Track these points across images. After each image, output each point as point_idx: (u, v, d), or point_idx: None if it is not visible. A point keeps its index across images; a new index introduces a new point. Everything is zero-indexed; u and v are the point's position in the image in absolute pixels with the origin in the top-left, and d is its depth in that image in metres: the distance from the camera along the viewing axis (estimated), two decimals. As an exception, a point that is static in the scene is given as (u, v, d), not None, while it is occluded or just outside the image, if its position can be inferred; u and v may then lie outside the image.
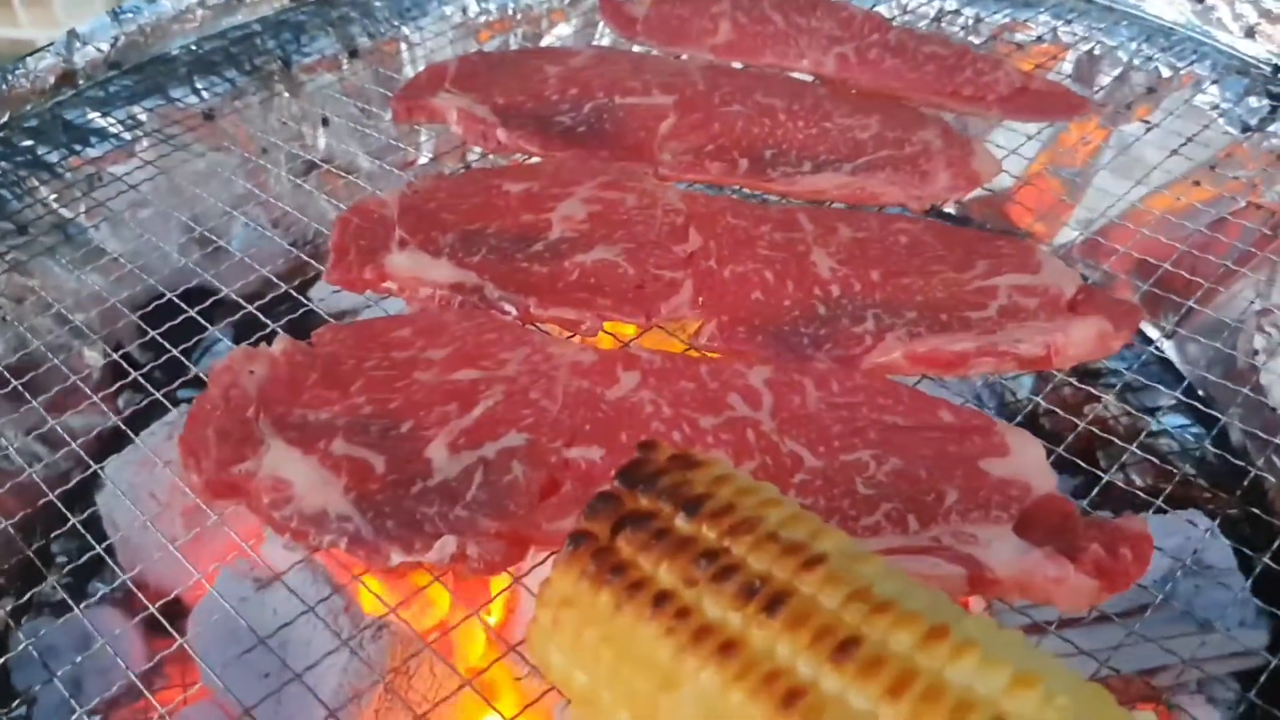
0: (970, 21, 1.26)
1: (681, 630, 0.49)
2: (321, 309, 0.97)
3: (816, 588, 0.49)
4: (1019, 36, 1.22)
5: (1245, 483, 0.89)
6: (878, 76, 1.02)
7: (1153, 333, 1.16)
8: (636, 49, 1.14)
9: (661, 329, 0.82)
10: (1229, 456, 0.85)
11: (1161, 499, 0.77)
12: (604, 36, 1.39)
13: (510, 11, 1.36)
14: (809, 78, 1.06)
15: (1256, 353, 1.04)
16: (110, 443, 0.98)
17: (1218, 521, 0.84)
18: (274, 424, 0.71)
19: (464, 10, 1.36)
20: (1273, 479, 0.92)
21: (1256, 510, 0.82)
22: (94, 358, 1.11)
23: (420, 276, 0.81)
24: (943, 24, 1.26)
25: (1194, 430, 1.08)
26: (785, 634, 0.47)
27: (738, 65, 1.07)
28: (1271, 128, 1.05)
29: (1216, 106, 1.08)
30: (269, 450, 0.69)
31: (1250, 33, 1.10)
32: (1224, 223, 1.06)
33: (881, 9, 1.28)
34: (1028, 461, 0.69)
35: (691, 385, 0.73)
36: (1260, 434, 0.89)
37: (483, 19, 1.36)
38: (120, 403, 1.10)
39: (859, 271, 0.81)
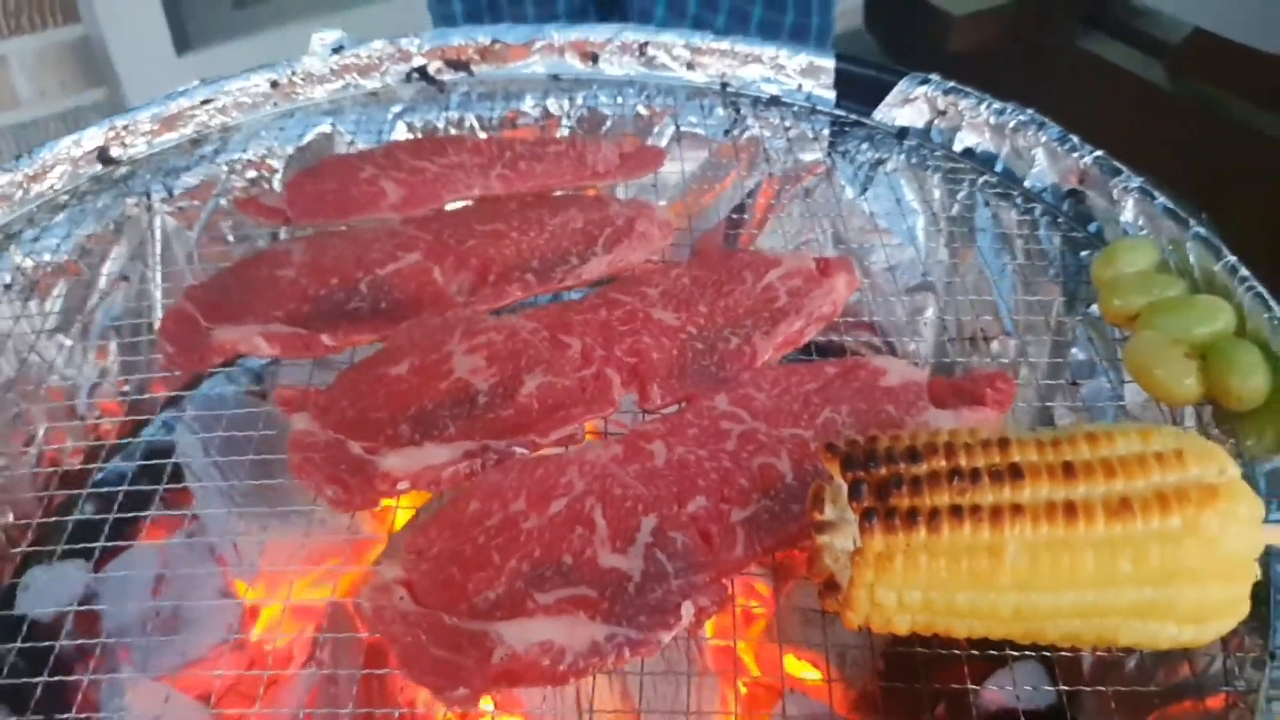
0: (473, 126, 1.51)
1: (984, 517, 0.75)
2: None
3: (1020, 454, 0.78)
4: (520, 122, 1.51)
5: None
6: (537, 180, 1.25)
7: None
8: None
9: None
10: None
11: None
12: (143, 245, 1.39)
13: (49, 262, 1.31)
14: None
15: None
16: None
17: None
18: (478, 617, 0.80)
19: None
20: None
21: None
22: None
23: (430, 464, 0.91)
24: (454, 131, 1.50)
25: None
26: (1029, 485, 0.76)
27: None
28: (740, 127, 1.47)
29: (698, 125, 1.48)
30: (503, 635, 0.78)
31: (690, 66, 1.51)
32: (741, 203, 1.48)
33: (403, 129, 1.48)
34: (903, 371, 1.02)
35: (695, 430, 0.95)
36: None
37: (41, 273, 1.30)
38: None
39: (692, 311, 1.07)
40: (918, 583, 0.76)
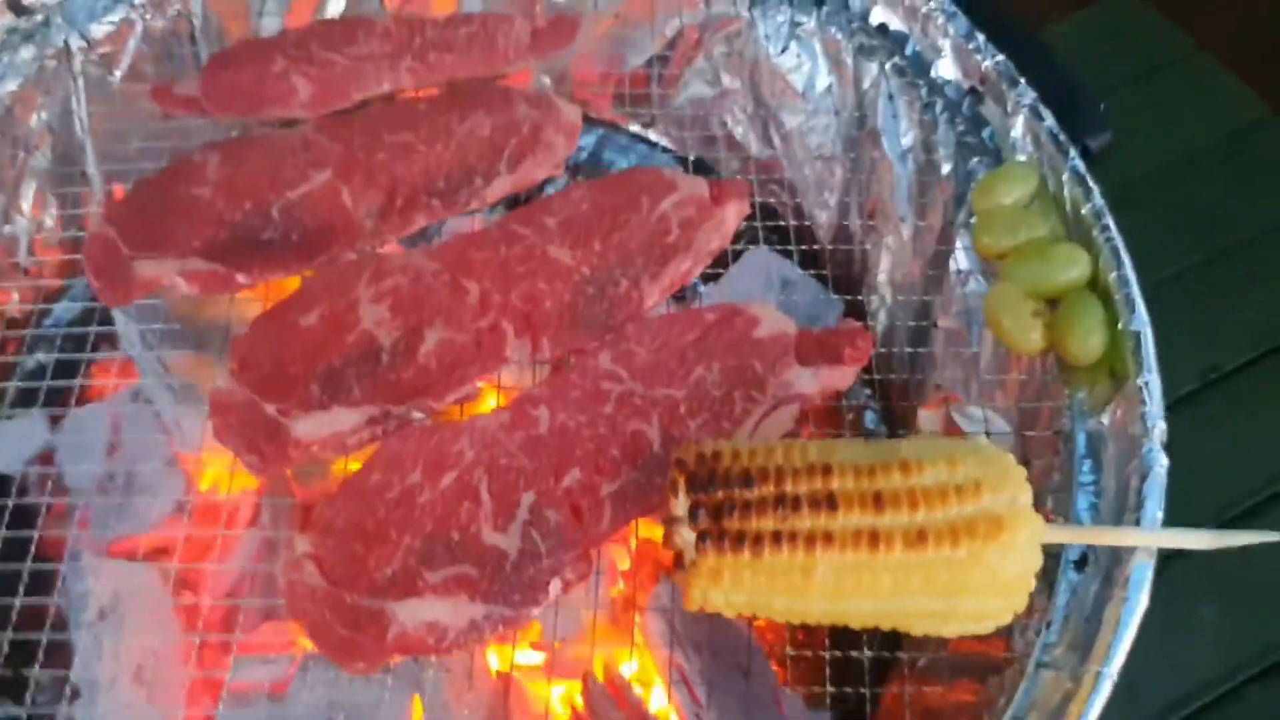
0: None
1: (799, 543, 0.88)
2: None
3: (839, 482, 0.90)
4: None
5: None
6: (447, 72, 1.26)
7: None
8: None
9: (502, 361, 1.10)
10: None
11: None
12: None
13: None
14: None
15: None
16: None
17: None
18: (376, 594, 0.94)
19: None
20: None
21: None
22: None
23: (335, 431, 1.02)
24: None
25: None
26: (842, 514, 0.88)
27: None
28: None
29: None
30: (396, 613, 0.93)
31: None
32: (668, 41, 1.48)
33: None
34: (774, 319, 1.11)
35: (579, 393, 1.05)
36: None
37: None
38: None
39: (586, 248, 1.14)
40: (742, 590, 0.90)
